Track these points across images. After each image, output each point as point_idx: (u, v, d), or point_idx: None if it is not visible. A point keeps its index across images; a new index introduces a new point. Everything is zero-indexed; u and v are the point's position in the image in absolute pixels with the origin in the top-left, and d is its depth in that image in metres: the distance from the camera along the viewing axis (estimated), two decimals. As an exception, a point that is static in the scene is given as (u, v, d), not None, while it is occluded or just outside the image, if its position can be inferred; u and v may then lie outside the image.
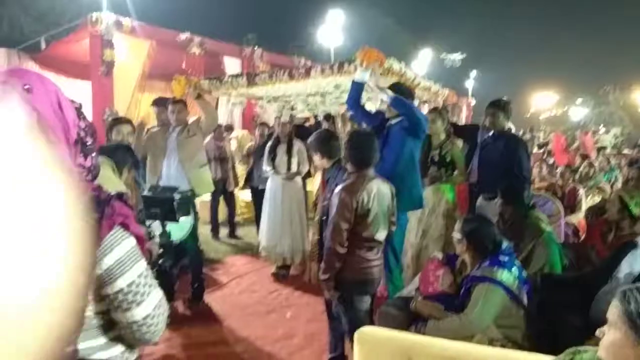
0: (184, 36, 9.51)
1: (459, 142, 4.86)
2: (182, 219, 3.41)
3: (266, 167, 5.85)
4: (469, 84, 28.39)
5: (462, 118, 13.16)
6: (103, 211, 1.16)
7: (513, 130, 4.81)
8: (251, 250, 6.68)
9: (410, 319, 2.84)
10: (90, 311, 1.19)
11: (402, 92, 3.90)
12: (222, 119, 10.31)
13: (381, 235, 2.99)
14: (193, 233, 4.64)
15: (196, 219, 4.68)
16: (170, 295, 4.64)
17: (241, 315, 4.55)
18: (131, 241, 1.22)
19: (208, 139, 7.70)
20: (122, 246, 1.19)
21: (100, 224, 1.14)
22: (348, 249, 2.88)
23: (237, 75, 5.30)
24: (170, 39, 9.28)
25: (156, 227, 3.44)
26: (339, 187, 2.94)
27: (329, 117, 6.73)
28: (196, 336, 4.10)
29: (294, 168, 5.75)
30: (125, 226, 1.20)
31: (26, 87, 1.14)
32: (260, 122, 7.22)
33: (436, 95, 5.36)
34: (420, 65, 22.95)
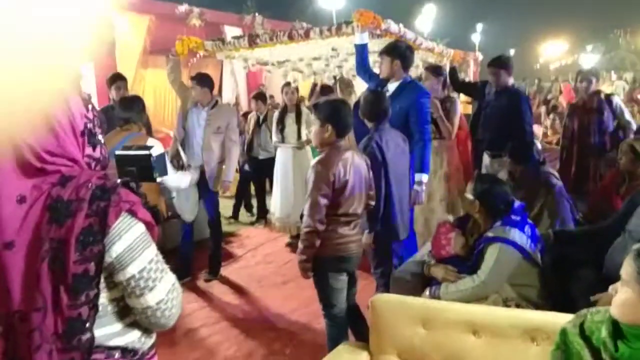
0: (182, 8, 9.41)
1: (457, 100, 4.80)
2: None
3: (275, 138, 5.82)
4: (476, 38, 27.71)
5: (470, 74, 12.94)
6: (110, 199, 1.16)
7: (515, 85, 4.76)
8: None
9: (424, 283, 2.86)
10: (104, 298, 1.21)
11: (399, 48, 3.86)
12: (228, 87, 10.27)
13: (358, 208, 2.85)
14: (216, 207, 4.72)
15: (217, 193, 4.74)
16: (187, 271, 4.72)
17: (258, 286, 4.63)
18: (140, 227, 1.22)
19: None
20: (130, 233, 1.20)
21: (107, 211, 1.15)
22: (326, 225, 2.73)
23: (239, 37, 5.37)
24: (169, 12, 9.19)
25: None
26: (313, 161, 2.81)
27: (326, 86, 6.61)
28: (215, 309, 4.18)
29: (304, 136, 5.71)
30: (132, 213, 1.21)
31: None
32: (256, 93, 7.14)
33: (441, 55, 5.26)
34: (425, 22, 22.39)
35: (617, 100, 5.13)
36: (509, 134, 4.16)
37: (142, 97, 4.63)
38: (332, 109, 2.83)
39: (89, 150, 1.25)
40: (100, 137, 1.30)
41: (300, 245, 2.80)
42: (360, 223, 2.98)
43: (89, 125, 1.25)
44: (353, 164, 2.79)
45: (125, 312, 1.26)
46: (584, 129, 5.10)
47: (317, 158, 2.83)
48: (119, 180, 1.31)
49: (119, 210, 1.17)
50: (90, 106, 1.29)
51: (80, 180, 1.17)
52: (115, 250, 1.17)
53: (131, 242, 1.20)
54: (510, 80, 4.64)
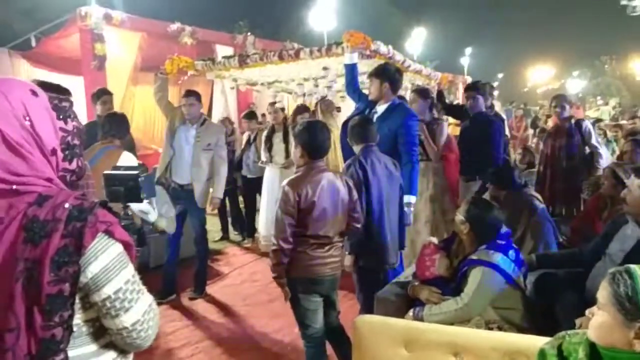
0: (174, 26, 9.41)
1: (444, 122, 4.86)
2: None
3: (263, 157, 5.84)
4: (465, 61, 28.15)
5: (460, 96, 13.10)
6: (86, 219, 1.15)
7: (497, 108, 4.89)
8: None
9: (408, 304, 2.85)
10: (79, 319, 1.20)
11: (388, 71, 3.90)
12: (218, 106, 10.31)
13: (330, 231, 2.79)
14: (203, 224, 4.69)
15: (204, 211, 4.72)
16: (172, 288, 4.68)
17: (243, 305, 4.59)
18: (117, 248, 1.21)
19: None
20: (107, 253, 1.18)
21: (83, 232, 1.14)
22: (293, 246, 2.72)
23: (229, 57, 5.41)
24: (161, 30, 9.19)
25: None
26: (285, 181, 2.79)
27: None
28: (199, 328, 4.13)
29: (292, 155, 5.70)
30: (109, 233, 1.19)
31: None
32: (247, 112, 7.19)
33: (428, 78, 5.34)
34: (414, 45, 22.72)
35: (587, 125, 5.32)
36: (480, 158, 4.24)
37: (131, 113, 4.63)
38: (302, 130, 2.81)
39: (64, 163, 1.24)
40: (78, 149, 1.29)
41: (269, 263, 2.82)
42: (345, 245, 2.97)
43: (68, 139, 1.24)
44: (326, 185, 2.75)
45: (101, 333, 1.25)
46: (555, 153, 5.25)
47: (290, 177, 2.82)
48: (96, 200, 1.30)
49: (96, 230, 1.16)
50: (71, 116, 1.27)
51: (57, 200, 1.15)
52: (91, 270, 1.16)
53: (107, 262, 1.18)
54: (489, 104, 4.74)
